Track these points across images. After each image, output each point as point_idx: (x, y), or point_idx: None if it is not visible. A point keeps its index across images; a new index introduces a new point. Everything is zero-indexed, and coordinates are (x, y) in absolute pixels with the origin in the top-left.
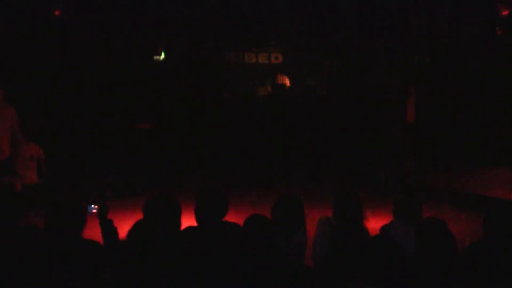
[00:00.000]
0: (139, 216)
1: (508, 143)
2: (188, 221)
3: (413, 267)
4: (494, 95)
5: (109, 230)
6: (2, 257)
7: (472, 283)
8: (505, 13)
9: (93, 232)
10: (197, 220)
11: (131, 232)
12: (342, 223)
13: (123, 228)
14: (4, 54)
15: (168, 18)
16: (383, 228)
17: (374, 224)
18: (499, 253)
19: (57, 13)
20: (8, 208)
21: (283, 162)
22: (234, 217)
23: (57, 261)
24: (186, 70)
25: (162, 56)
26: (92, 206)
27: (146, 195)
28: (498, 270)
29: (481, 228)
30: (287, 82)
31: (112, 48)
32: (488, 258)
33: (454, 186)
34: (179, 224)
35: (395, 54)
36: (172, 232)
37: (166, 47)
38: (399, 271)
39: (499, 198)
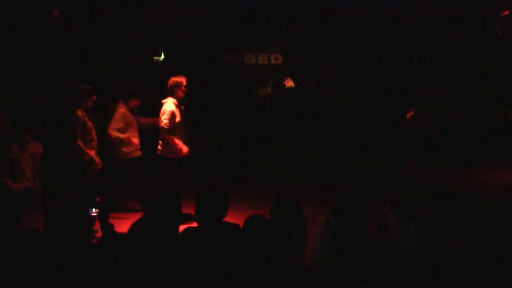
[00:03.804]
0: (139, 216)
1: (508, 144)
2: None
3: (413, 267)
4: (494, 96)
5: (109, 233)
6: (1, 259)
7: (472, 283)
8: (505, 13)
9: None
10: (197, 220)
11: (130, 231)
12: (342, 224)
13: (123, 228)
14: (4, 54)
15: (168, 19)
16: (381, 224)
17: (374, 224)
18: (499, 253)
19: (56, 13)
20: (5, 209)
21: (283, 162)
22: (234, 217)
23: (56, 262)
24: (186, 71)
25: (162, 56)
26: (93, 209)
27: (146, 195)
28: (498, 270)
29: (481, 228)
30: (290, 83)
31: (112, 48)
32: (488, 258)
33: (453, 186)
34: (179, 224)
35: (395, 54)
36: (172, 232)
37: (166, 48)
38: (398, 272)
39: (498, 198)
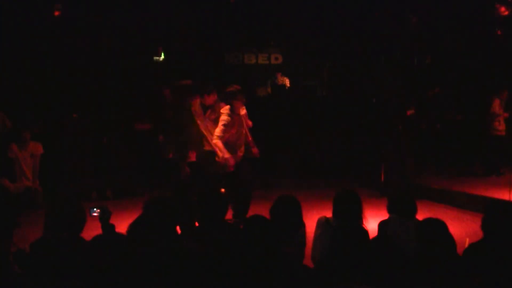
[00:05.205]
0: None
1: (508, 144)
2: None
3: (413, 267)
4: (494, 95)
5: (110, 235)
6: (2, 258)
7: (472, 283)
8: (506, 13)
9: (94, 233)
10: (197, 220)
11: (129, 232)
12: (341, 224)
13: (123, 229)
14: (4, 54)
15: (168, 19)
16: (381, 224)
17: (374, 224)
18: (499, 253)
19: (56, 13)
20: (3, 210)
21: (283, 162)
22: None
23: (56, 261)
24: (186, 71)
25: (162, 56)
26: (94, 209)
27: (146, 195)
28: (498, 270)
29: (481, 228)
30: (287, 83)
31: (112, 48)
32: (488, 258)
33: (453, 187)
34: (177, 224)
35: (395, 54)
36: (171, 232)
37: (166, 48)
38: (398, 272)
39: (499, 198)
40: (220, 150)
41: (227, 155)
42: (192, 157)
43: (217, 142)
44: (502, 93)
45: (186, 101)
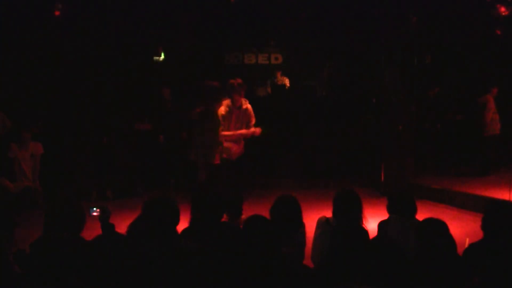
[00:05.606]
0: None
1: (507, 144)
2: (187, 221)
3: (413, 267)
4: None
5: (110, 234)
6: (2, 258)
7: (472, 283)
8: (506, 13)
9: (94, 233)
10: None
11: (130, 231)
12: (341, 224)
13: (123, 229)
14: (5, 54)
15: (168, 19)
16: (381, 224)
17: (374, 224)
18: (499, 253)
19: (57, 13)
20: (5, 209)
21: (283, 162)
22: None
23: (56, 261)
24: (186, 71)
25: (162, 56)
26: (94, 208)
27: (146, 195)
28: (498, 270)
29: (481, 228)
30: (287, 83)
31: (112, 48)
32: (488, 258)
33: (453, 187)
34: (177, 224)
35: (395, 54)
36: (171, 232)
37: (166, 48)
38: (398, 272)
39: (498, 198)
40: (236, 134)
41: (249, 130)
42: (217, 159)
43: (224, 132)
44: (493, 90)
45: (215, 102)
